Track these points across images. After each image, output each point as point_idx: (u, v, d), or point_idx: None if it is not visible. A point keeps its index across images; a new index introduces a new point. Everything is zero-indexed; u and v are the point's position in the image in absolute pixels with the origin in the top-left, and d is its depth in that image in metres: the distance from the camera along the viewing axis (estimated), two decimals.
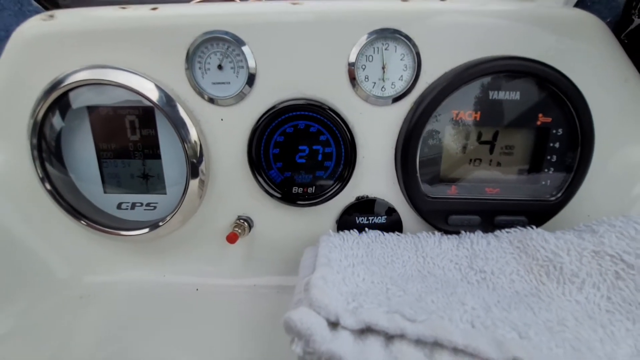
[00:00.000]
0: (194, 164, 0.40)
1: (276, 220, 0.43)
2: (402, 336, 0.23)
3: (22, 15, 0.56)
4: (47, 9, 0.56)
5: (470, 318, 0.25)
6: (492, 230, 0.38)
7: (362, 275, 0.31)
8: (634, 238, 0.31)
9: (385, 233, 0.39)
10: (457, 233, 0.39)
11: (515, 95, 0.37)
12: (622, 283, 0.30)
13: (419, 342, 0.22)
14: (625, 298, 0.29)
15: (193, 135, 0.39)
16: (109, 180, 0.43)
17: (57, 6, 0.56)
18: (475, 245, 0.37)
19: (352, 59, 0.37)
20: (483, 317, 0.25)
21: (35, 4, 0.56)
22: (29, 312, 0.38)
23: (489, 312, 0.26)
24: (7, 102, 0.40)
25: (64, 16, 0.39)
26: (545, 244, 0.34)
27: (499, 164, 0.39)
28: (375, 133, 0.39)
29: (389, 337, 0.23)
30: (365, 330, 0.24)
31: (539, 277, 0.33)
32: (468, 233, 0.38)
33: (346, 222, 0.42)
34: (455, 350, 0.22)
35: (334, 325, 0.24)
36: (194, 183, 0.40)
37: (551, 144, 0.38)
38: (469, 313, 0.25)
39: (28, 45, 0.39)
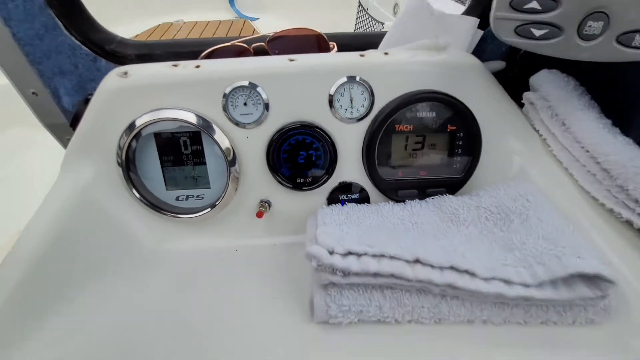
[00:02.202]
0: (231, 167, 0.60)
1: (287, 200, 0.64)
2: (365, 254, 0.45)
3: (75, 57, 0.73)
4: (94, 52, 0.73)
5: (401, 245, 0.47)
6: (424, 198, 0.61)
7: (345, 230, 0.53)
8: (495, 196, 0.54)
9: (358, 205, 0.61)
10: (404, 201, 0.62)
11: (433, 114, 0.59)
12: (488, 223, 0.54)
13: (374, 256, 0.45)
14: (490, 230, 0.53)
15: (229, 148, 0.59)
16: (169, 181, 0.63)
17: (104, 50, 0.73)
18: (413, 208, 0.60)
19: (332, 93, 0.58)
20: (409, 246, 0.48)
21: (85, 49, 0.72)
22: (122, 270, 0.58)
23: (413, 243, 0.49)
24: (96, 135, 0.59)
25: (134, 73, 0.57)
26: (451, 203, 0.57)
27: (427, 155, 0.62)
28: (349, 141, 0.61)
29: (359, 255, 0.45)
30: (347, 254, 0.46)
31: (447, 224, 0.56)
32: (410, 201, 0.61)
33: (333, 198, 0.64)
34: (391, 257, 0.44)
35: (331, 253, 0.46)
36: (231, 180, 0.61)
37: (457, 142, 0.60)
38: (401, 244, 0.48)
39: (109, 96, 0.57)
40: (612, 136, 0.54)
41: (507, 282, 0.41)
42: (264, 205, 0.63)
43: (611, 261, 0.47)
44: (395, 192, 0.63)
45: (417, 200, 0.61)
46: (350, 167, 0.63)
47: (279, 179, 0.61)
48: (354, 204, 0.61)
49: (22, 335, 0.44)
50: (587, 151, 0.55)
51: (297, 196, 0.64)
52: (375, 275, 0.43)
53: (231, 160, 0.60)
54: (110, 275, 0.55)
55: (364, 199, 0.65)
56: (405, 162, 0.62)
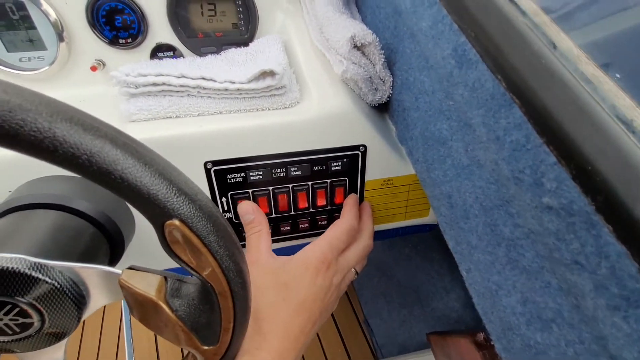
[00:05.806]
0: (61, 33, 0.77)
1: (118, 60, 0.84)
2: (149, 74, 0.69)
3: None
4: None
5: (177, 70, 0.72)
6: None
7: (143, 65, 0.76)
8: (257, 44, 0.81)
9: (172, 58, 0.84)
10: (205, 55, 0.86)
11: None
12: (242, 56, 0.81)
13: (156, 75, 0.70)
14: (240, 60, 0.80)
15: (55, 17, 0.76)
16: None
17: None
18: (209, 57, 0.84)
19: None
20: (180, 69, 0.73)
21: None
22: None
23: (185, 68, 0.74)
24: None
25: None
26: (234, 51, 0.83)
27: (220, 21, 0.85)
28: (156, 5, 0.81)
29: (145, 75, 0.70)
30: (137, 75, 0.70)
31: (225, 62, 0.82)
32: (210, 54, 0.85)
33: (157, 56, 0.86)
34: (165, 75, 0.69)
35: (127, 75, 0.70)
36: (64, 42, 0.79)
37: (238, 9, 0.84)
38: (178, 70, 0.73)
39: None
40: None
41: (231, 82, 0.70)
42: (99, 64, 0.83)
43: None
44: (198, 49, 0.86)
45: (215, 54, 0.85)
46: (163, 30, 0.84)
47: (104, 41, 0.81)
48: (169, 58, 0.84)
49: None
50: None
51: (125, 55, 0.84)
52: (154, 84, 0.69)
53: (58, 24, 0.77)
54: None
55: (179, 55, 0.88)
56: (203, 25, 0.85)
